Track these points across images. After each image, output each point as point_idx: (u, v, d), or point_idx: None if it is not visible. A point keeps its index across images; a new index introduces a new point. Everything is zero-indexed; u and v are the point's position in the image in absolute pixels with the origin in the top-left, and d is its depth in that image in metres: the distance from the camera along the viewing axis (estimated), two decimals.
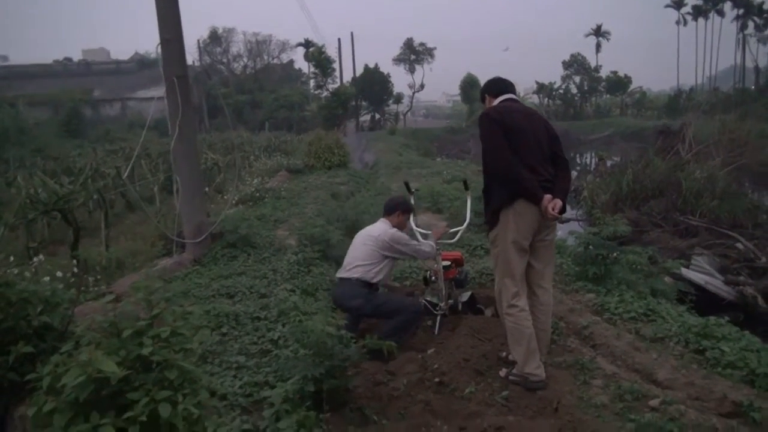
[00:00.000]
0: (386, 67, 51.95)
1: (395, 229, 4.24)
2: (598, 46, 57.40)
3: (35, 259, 5.60)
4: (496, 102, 3.36)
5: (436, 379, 3.24)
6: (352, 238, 6.77)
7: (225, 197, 10.94)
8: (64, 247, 7.55)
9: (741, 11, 49.33)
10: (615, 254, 4.74)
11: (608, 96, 57.90)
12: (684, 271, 6.61)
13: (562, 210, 3.08)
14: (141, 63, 49.11)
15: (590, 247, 4.77)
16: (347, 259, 4.23)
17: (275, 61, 53.92)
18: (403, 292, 5.05)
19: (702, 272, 6.96)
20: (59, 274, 4.78)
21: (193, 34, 51.43)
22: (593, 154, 26.63)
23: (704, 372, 3.32)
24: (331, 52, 40.90)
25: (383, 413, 2.96)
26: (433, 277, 4.37)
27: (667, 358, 3.52)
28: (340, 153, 15.58)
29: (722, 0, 51.54)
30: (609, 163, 16.13)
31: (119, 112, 39.81)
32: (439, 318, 4.21)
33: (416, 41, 48.91)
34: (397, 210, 4.36)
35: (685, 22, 55.47)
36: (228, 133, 25.01)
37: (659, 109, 50.46)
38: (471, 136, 31.93)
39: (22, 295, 2.95)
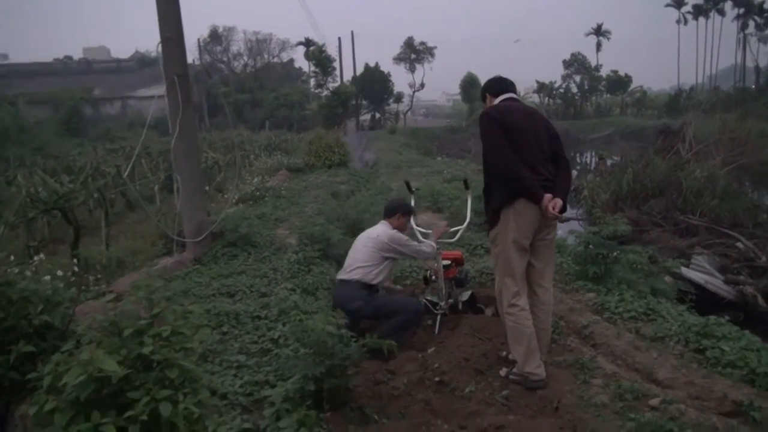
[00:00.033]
0: (386, 66, 52.02)
1: (395, 231, 4.25)
2: (599, 46, 57.40)
3: (36, 258, 5.60)
4: (496, 101, 3.36)
5: (437, 379, 3.24)
6: (352, 237, 6.81)
7: (225, 196, 10.94)
8: (65, 246, 7.56)
9: (741, 10, 49.25)
10: (615, 253, 4.74)
11: (608, 95, 57.87)
12: (684, 270, 6.61)
13: (563, 209, 3.08)
14: (141, 61, 49.12)
15: (590, 246, 4.77)
16: (347, 261, 4.24)
17: (275, 59, 53.91)
18: (406, 293, 5.04)
19: (702, 271, 6.96)
20: (60, 273, 4.78)
21: (194, 32, 51.49)
22: (593, 154, 26.64)
23: (704, 371, 3.32)
24: (332, 51, 40.99)
25: (383, 412, 2.96)
26: (434, 277, 4.38)
27: (667, 357, 3.52)
28: (340, 152, 15.57)
29: None
30: (609, 162, 16.13)
31: (119, 111, 39.82)
32: (439, 317, 4.22)
33: (417, 40, 48.91)
34: (398, 212, 4.38)
35: (686, 21, 55.44)
36: (228, 132, 25.00)
37: (659, 109, 50.41)
38: (471, 135, 31.93)
39: (23, 294, 2.95)
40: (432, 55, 49.14)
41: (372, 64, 45.94)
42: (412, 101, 53.20)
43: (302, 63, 53.64)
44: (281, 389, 2.74)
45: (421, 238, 4.53)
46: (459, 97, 56.00)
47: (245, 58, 52.98)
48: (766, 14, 47.89)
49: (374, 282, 4.09)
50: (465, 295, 4.45)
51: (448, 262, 4.36)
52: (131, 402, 1.90)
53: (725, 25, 53.44)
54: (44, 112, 33.83)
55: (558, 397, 2.98)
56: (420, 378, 3.28)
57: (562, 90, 53.70)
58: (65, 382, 1.85)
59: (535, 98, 51.57)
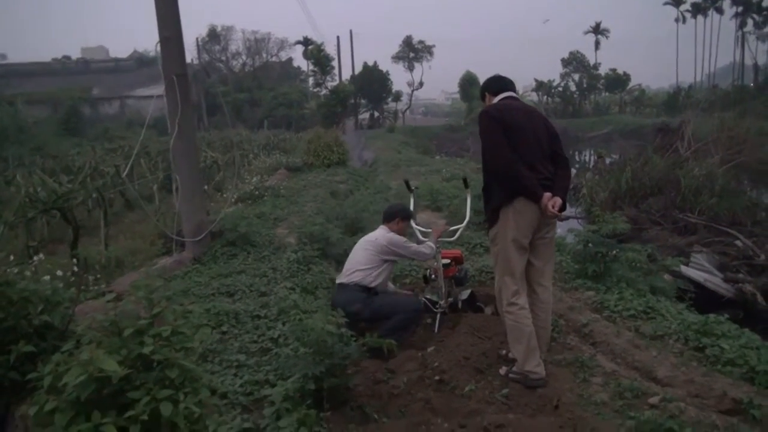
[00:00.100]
0: (385, 65, 51.85)
1: (393, 233, 4.26)
2: (597, 44, 57.37)
3: (35, 258, 5.59)
4: (495, 100, 3.36)
5: (437, 377, 3.25)
6: (351, 236, 6.83)
7: (224, 195, 10.93)
8: (64, 246, 7.55)
9: (740, 8, 49.27)
10: (614, 252, 4.75)
11: (607, 93, 57.91)
12: (683, 268, 6.61)
13: (562, 208, 3.08)
14: (140, 61, 49.01)
15: (589, 244, 4.77)
16: (347, 266, 4.26)
17: (274, 59, 53.85)
18: (406, 294, 5.05)
19: (701, 270, 6.97)
20: (59, 273, 4.78)
21: (192, 32, 51.43)
22: (592, 152, 26.61)
23: (704, 369, 3.33)
24: (330, 49, 41.00)
25: (383, 411, 2.96)
26: (433, 275, 4.38)
27: (666, 355, 3.52)
28: (339, 151, 15.57)
29: None
30: (608, 160, 16.11)
31: (118, 111, 39.74)
32: (439, 316, 4.22)
33: (415, 39, 48.94)
34: (396, 217, 4.39)
35: (684, 20, 55.38)
36: (227, 132, 24.98)
37: (658, 107, 50.47)
38: (470, 133, 31.97)
39: (23, 294, 2.95)
40: (431, 53, 49.19)
41: (371, 63, 46.01)
42: (410, 100, 53.22)
43: (301, 62, 53.67)
44: (281, 388, 2.74)
45: (420, 237, 4.54)
46: (458, 96, 56.00)
47: (244, 57, 52.98)
48: (764, 12, 47.91)
49: (373, 285, 4.10)
50: (465, 294, 4.46)
51: (447, 260, 4.37)
52: (132, 402, 1.90)
53: (724, 23, 53.52)
54: (43, 111, 33.78)
55: (558, 395, 2.99)
56: (420, 377, 3.28)
57: (560, 88, 53.76)
58: (65, 382, 1.85)
59: (534, 97, 51.63)
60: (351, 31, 45.95)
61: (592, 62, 55.76)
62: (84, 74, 45.96)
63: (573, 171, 14.36)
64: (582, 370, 3.37)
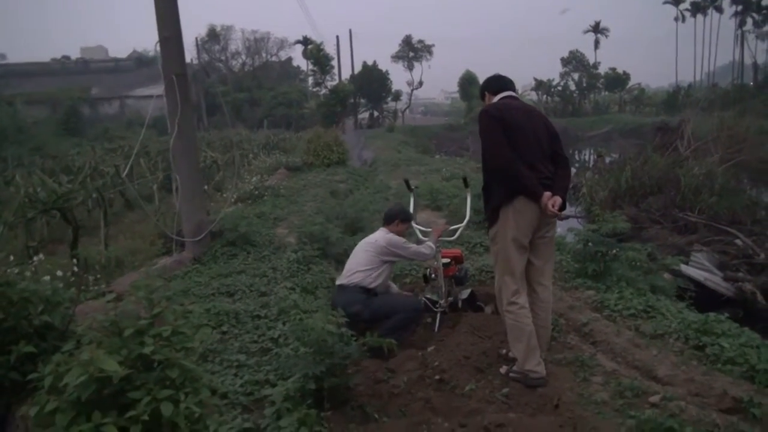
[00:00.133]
0: (385, 64, 51.76)
1: (392, 234, 4.27)
2: (597, 43, 57.37)
3: (35, 259, 5.59)
4: (495, 99, 3.36)
5: (437, 377, 3.25)
6: (351, 235, 6.83)
7: (224, 195, 10.93)
8: (64, 246, 7.55)
9: (739, 7, 49.28)
10: (614, 251, 4.75)
11: (607, 93, 57.88)
12: (683, 267, 6.61)
13: (562, 207, 3.08)
14: (139, 61, 49.02)
15: (589, 244, 4.77)
16: (347, 267, 4.27)
17: (274, 58, 53.87)
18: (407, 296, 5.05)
19: (701, 269, 6.98)
20: (59, 273, 4.78)
21: (192, 32, 51.39)
22: (592, 151, 26.62)
23: (704, 368, 3.33)
24: (330, 49, 40.97)
25: (384, 411, 2.97)
26: (433, 275, 4.38)
27: (666, 354, 3.52)
28: (338, 150, 15.57)
29: None
30: (607, 159, 16.10)
31: (118, 111, 39.74)
32: (439, 315, 4.22)
33: (415, 38, 48.87)
34: (396, 219, 4.40)
35: (684, 19, 55.38)
36: (227, 131, 24.97)
37: (658, 106, 50.47)
38: (469, 133, 31.94)
39: (23, 295, 2.95)
40: (430, 53, 49.15)
41: (370, 63, 45.99)
42: (410, 99, 53.19)
43: (300, 62, 53.64)
44: (282, 388, 2.75)
45: (421, 237, 4.54)
46: (457, 95, 55.93)
47: (243, 57, 52.98)
48: (763, 11, 47.91)
49: (372, 286, 4.10)
50: (465, 293, 4.45)
51: (447, 260, 4.37)
52: (132, 402, 1.90)
53: (723, 22, 53.63)
54: (42, 112, 33.76)
55: (558, 394, 2.99)
56: (420, 376, 3.28)
57: (560, 87, 53.73)
58: (66, 383, 1.85)
59: (534, 96, 51.61)
60: (350, 31, 46.04)
61: (591, 61, 55.76)
62: (83, 74, 45.95)
63: (573, 170, 14.36)
64: (582, 369, 3.37)
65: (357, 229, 7.39)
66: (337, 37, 43.40)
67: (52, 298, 3.09)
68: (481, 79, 3.60)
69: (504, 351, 3.46)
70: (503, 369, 3.29)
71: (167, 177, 11.71)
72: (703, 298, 5.80)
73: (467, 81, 46.07)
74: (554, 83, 53.30)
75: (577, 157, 30.02)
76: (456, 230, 4.49)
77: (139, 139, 7.31)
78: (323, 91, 39.26)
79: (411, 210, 4.66)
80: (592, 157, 22.84)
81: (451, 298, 4.39)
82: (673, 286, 5.13)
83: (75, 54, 58.27)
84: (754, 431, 2.66)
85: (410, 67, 49.59)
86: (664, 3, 55.31)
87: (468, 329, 3.86)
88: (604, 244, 4.71)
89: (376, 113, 47.94)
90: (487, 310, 4.47)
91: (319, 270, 5.57)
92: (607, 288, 4.55)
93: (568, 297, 4.56)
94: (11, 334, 2.82)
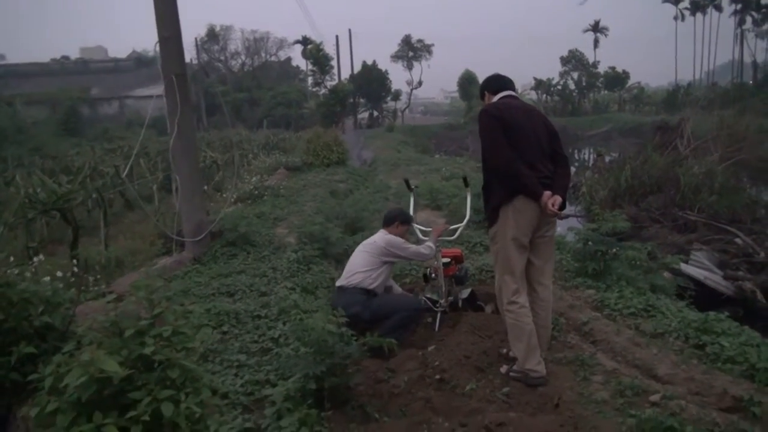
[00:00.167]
0: (384, 64, 51.76)
1: (392, 235, 4.27)
2: (596, 42, 57.31)
3: (35, 259, 5.58)
4: (495, 99, 3.36)
5: (437, 376, 3.25)
6: (351, 235, 6.83)
7: (224, 195, 10.92)
8: (63, 247, 7.55)
9: (739, 6, 49.21)
10: (614, 250, 4.75)
11: (606, 92, 57.80)
12: (683, 266, 6.61)
13: (562, 206, 3.08)
14: (139, 61, 49.06)
15: (589, 243, 4.78)
16: (346, 269, 4.27)
17: (273, 58, 53.84)
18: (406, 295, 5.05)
19: (701, 267, 6.98)
20: (59, 273, 4.77)
21: (191, 32, 51.34)
22: (591, 150, 26.63)
23: (704, 367, 3.33)
24: (329, 49, 41.00)
25: (384, 410, 2.97)
26: (433, 274, 4.38)
27: (667, 353, 3.52)
28: (338, 150, 15.57)
29: None
30: (607, 158, 16.10)
31: (117, 111, 39.78)
32: (439, 315, 4.22)
33: (414, 38, 48.87)
34: (396, 221, 4.40)
35: (683, 18, 55.31)
36: (226, 131, 24.97)
37: (657, 105, 50.45)
38: (469, 132, 31.93)
39: (24, 296, 2.95)
40: (430, 52, 49.17)
41: (370, 62, 45.97)
42: (409, 99, 53.20)
43: (300, 61, 53.60)
44: (282, 388, 2.75)
45: (421, 236, 4.54)
46: (457, 95, 55.94)
47: (243, 57, 52.95)
48: (763, 9, 47.85)
49: (372, 287, 4.10)
50: (465, 293, 4.45)
51: (447, 259, 4.37)
52: (133, 402, 1.90)
53: (722, 21, 53.81)
54: (42, 112, 33.76)
55: (558, 394, 2.99)
56: (420, 376, 3.28)
57: (559, 87, 53.64)
58: (67, 383, 1.85)
59: (533, 95, 51.56)
60: (350, 31, 46.05)
61: (591, 60, 55.68)
62: (83, 74, 46.02)
63: (572, 169, 14.37)
64: (582, 368, 3.37)
65: (357, 229, 7.39)
66: (337, 36, 43.46)
67: (52, 298, 3.09)
68: (481, 79, 3.61)
69: (504, 350, 3.46)
70: (504, 368, 3.29)
71: (167, 177, 11.71)
72: (703, 297, 5.81)
73: (467, 80, 46.07)
74: (554, 82, 53.25)
75: (576, 156, 30.01)
76: (456, 230, 4.49)
77: (138, 139, 7.32)
78: (323, 90, 39.31)
79: (411, 210, 4.65)
80: (591, 157, 22.85)
81: (451, 298, 4.39)
82: (673, 285, 5.14)
83: (74, 54, 58.40)
84: (754, 430, 2.66)
85: (410, 67, 49.63)
86: (664, 2, 55.27)
87: (468, 329, 3.86)
88: (604, 243, 4.71)
89: (375, 113, 47.93)
90: (487, 310, 4.48)
91: (319, 270, 5.57)
92: (607, 287, 4.56)
93: (568, 296, 4.56)
94: (12, 335, 2.82)
